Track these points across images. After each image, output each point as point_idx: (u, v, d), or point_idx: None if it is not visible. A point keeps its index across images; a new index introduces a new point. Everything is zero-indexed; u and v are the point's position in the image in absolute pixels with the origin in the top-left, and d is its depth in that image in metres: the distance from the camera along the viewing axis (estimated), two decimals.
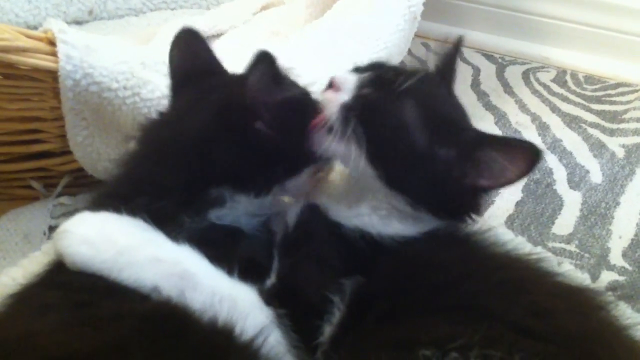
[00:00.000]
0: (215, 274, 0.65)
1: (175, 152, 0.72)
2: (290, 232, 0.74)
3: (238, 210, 0.73)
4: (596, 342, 0.60)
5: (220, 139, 0.71)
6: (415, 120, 0.71)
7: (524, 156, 0.67)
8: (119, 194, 0.70)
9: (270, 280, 0.68)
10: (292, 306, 0.66)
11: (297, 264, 0.69)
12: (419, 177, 0.71)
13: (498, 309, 0.61)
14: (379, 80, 0.74)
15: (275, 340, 0.64)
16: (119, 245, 0.62)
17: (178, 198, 0.69)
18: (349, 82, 0.74)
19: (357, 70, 0.79)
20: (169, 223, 0.66)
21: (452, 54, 0.86)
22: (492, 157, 0.69)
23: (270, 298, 0.66)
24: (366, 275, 0.69)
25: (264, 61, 0.68)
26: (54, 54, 0.89)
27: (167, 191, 0.69)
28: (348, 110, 0.72)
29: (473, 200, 0.73)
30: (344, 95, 0.73)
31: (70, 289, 0.62)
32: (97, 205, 0.68)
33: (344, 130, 0.71)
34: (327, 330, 0.66)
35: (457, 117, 0.76)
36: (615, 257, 1.07)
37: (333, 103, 0.73)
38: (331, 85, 0.75)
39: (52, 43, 0.89)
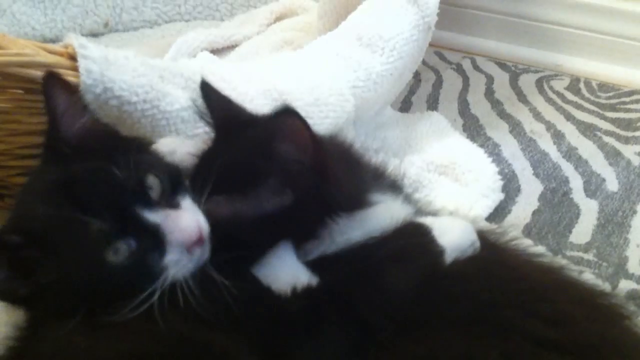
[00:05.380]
0: None
1: None
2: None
3: None
4: (615, 353, 0.60)
5: None
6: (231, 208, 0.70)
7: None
8: None
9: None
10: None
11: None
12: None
13: (516, 320, 0.61)
14: None
15: None
16: None
17: None
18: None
19: None
20: None
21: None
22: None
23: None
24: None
25: None
26: (74, 68, 0.89)
27: None
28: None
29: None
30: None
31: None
32: None
33: None
34: None
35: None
36: (634, 266, 1.06)
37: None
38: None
39: (72, 58, 0.90)
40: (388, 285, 0.67)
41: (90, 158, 0.69)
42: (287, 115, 0.66)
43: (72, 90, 0.77)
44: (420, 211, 0.84)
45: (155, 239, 0.65)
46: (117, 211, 0.64)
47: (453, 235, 0.73)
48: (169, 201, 0.69)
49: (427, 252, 0.71)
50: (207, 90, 0.83)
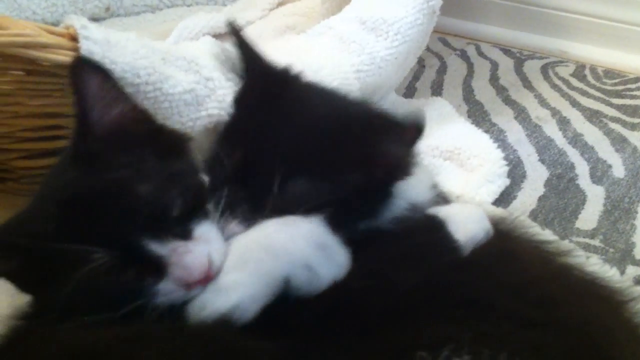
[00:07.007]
0: None
1: None
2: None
3: None
4: (594, 327, 0.60)
5: None
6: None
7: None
8: None
9: None
10: None
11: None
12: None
13: (501, 302, 0.60)
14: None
15: None
16: None
17: None
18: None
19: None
20: None
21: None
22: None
23: None
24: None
25: None
26: (76, 49, 0.88)
27: None
28: None
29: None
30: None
31: None
32: None
33: None
34: None
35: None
36: None
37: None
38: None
39: (74, 39, 0.89)
40: (403, 289, 0.65)
41: (117, 160, 0.66)
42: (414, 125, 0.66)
43: (105, 76, 0.71)
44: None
45: (157, 267, 0.61)
46: (123, 239, 0.60)
47: (469, 227, 0.72)
48: (183, 228, 0.64)
49: (443, 249, 0.70)
50: (241, 40, 0.77)
